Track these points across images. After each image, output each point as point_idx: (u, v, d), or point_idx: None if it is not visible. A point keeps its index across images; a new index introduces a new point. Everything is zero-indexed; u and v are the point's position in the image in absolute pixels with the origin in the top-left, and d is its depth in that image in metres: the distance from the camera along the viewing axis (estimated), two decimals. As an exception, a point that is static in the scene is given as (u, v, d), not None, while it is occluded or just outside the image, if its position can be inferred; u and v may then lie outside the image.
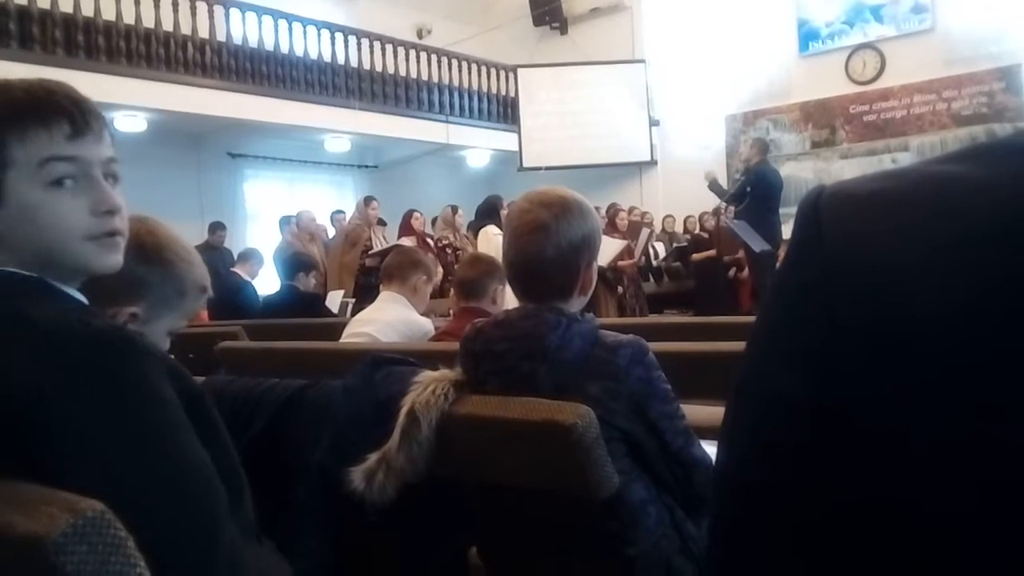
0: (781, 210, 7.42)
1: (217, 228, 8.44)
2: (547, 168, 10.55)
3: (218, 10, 8.62)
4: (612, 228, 7.74)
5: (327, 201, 10.32)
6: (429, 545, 1.64)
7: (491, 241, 6.37)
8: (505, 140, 11.37)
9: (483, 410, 1.40)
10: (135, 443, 0.84)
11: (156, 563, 0.68)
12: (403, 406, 1.41)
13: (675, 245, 10.04)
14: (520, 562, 1.57)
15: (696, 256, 8.89)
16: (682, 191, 11.05)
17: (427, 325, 3.00)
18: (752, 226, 6.92)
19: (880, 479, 0.33)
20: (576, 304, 1.50)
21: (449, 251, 7.36)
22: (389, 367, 1.65)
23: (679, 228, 10.67)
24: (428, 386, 1.43)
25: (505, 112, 11.60)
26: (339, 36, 9.67)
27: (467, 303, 2.66)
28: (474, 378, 1.48)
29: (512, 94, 11.50)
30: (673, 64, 11.80)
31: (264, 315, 5.32)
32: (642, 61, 11.81)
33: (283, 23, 9.19)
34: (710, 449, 1.42)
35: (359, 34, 9.87)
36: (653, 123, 11.85)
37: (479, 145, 11.44)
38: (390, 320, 2.94)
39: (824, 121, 11.01)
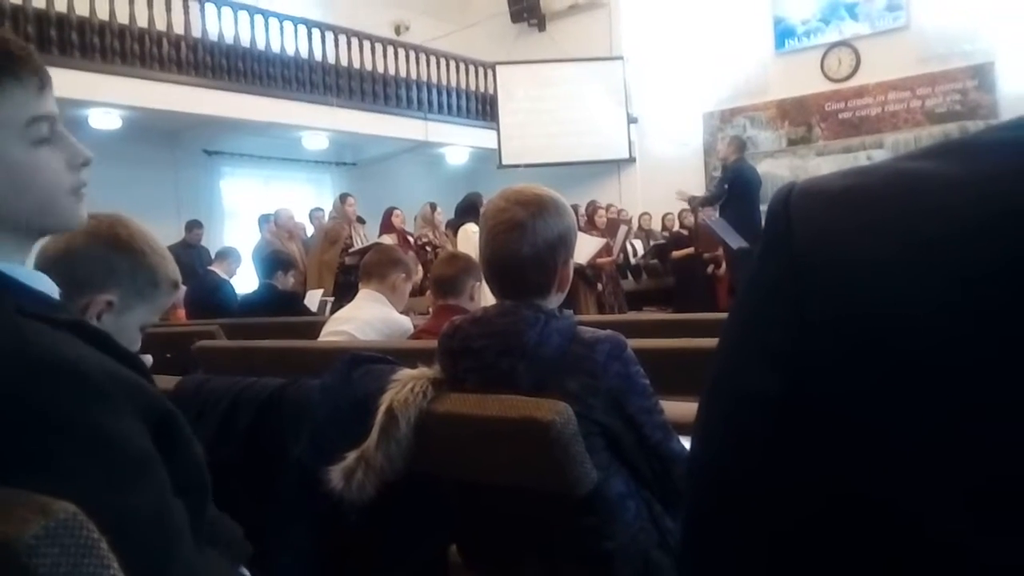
0: (761, 208, 7.47)
1: (194, 226, 8.37)
2: (526, 166, 10.54)
3: (193, 6, 8.54)
4: (591, 226, 7.76)
5: (305, 199, 10.26)
6: (409, 543, 1.64)
7: (471, 239, 6.36)
8: (484, 137, 11.35)
9: (461, 408, 1.40)
10: (78, 492, 0.74)
11: None
12: (381, 404, 1.41)
13: (652, 243, 10.08)
14: (500, 559, 1.57)
15: (676, 253, 8.93)
16: (661, 188, 11.06)
17: (406, 323, 2.99)
18: (731, 223, 6.97)
19: (853, 475, 0.33)
20: (554, 301, 1.50)
21: (428, 249, 7.33)
22: (367, 365, 1.64)
23: (656, 226, 10.71)
24: (406, 384, 1.43)
25: (484, 109, 11.58)
26: (316, 32, 9.61)
27: (445, 301, 2.66)
28: (452, 376, 1.48)
29: (491, 91, 11.48)
30: (651, 61, 11.83)
31: (242, 314, 5.28)
32: (620, 58, 11.84)
33: (259, 19, 9.12)
34: (688, 444, 1.43)
35: (336, 30, 9.81)
36: (631, 120, 11.88)
37: (458, 142, 11.42)
38: (369, 319, 2.94)
39: (800, 119, 11.10)
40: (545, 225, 1.43)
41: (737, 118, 11.57)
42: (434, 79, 10.95)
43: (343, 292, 6.06)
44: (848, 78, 10.76)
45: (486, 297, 1.93)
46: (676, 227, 9.85)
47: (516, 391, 1.37)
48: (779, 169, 10.92)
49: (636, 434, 1.40)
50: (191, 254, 7.80)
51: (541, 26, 12.82)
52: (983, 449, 0.30)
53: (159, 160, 9.52)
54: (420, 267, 7.11)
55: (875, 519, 0.33)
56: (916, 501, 0.32)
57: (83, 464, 0.78)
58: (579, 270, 6.54)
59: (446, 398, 1.43)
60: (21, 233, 0.95)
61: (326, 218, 7.91)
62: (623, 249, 8.70)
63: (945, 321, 0.31)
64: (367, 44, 10.13)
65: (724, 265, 7.87)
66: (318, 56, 9.60)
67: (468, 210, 6.97)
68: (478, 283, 2.59)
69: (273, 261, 5.64)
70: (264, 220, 8.20)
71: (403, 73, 10.54)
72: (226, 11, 8.81)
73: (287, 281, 5.55)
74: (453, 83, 11.25)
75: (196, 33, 8.55)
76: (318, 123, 9.66)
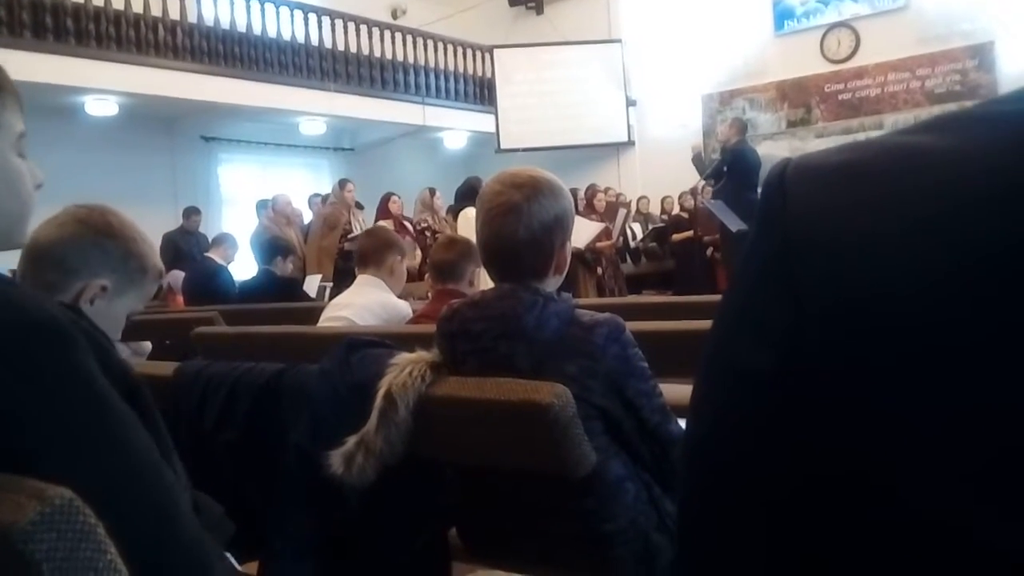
0: (759, 189, 7.44)
1: (191, 213, 8.34)
2: (525, 150, 10.51)
3: (189, -9, 8.50)
4: (591, 209, 7.75)
5: (303, 184, 10.22)
6: (409, 526, 1.64)
7: (470, 223, 6.33)
8: (482, 121, 11.30)
9: (460, 391, 1.39)
10: (80, 435, 0.79)
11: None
12: (380, 388, 1.41)
13: (651, 226, 10.07)
14: (499, 541, 1.58)
15: (676, 236, 8.92)
16: (660, 171, 11.06)
17: (405, 308, 2.99)
18: (731, 206, 6.94)
19: (848, 454, 0.33)
20: (552, 283, 1.50)
21: (428, 234, 7.32)
22: (365, 350, 1.64)
23: (655, 209, 10.69)
24: (405, 368, 1.42)
25: (482, 93, 11.53)
26: (312, 17, 9.55)
27: (444, 285, 2.66)
28: (451, 359, 1.48)
29: (488, 75, 11.43)
30: (649, 44, 11.77)
31: (241, 300, 5.28)
32: (618, 41, 11.77)
33: (255, 4, 9.06)
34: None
35: (333, 15, 9.75)
36: (630, 103, 11.83)
37: (456, 127, 11.38)
38: (367, 304, 2.93)
39: (800, 100, 11.06)
40: (541, 208, 1.43)
41: (736, 100, 11.52)
42: (431, 63, 10.89)
43: (342, 278, 6.05)
44: (848, 59, 10.71)
45: (485, 282, 1.93)
46: (675, 210, 9.83)
47: (514, 374, 1.37)
48: (779, 151, 10.88)
49: (635, 417, 1.40)
50: (189, 241, 7.79)
51: (539, 9, 12.74)
52: (986, 431, 0.30)
53: (156, 147, 9.50)
54: (419, 252, 7.11)
55: (871, 497, 0.33)
56: (914, 481, 0.31)
57: (90, 407, 0.81)
58: (579, 254, 6.54)
59: (445, 382, 1.43)
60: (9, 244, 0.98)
61: (325, 204, 7.90)
62: (623, 232, 8.69)
63: (943, 301, 0.31)
64: (364, 28, 10.07)
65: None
66: (315, 41, 9.55)
67: (468, 194, 6.94)
68: (478, 268, 2.59)
69: (271, 247, 5.63)
70: (262, 206, 8.18)
71: (400, 57, 10.49)
72: (222, -5, 8.76)
73: (286, 267, 5.55)
74: (451, 67, 11.20)
75: (192, 18, 8.50)
76: (315, 108, 9.63)
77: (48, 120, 8.01)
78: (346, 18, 9.87)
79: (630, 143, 11.94)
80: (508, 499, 1.52)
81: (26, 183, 0.96)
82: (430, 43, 10.90)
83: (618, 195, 9.81)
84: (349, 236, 6.86)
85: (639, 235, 9.84)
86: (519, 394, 1.30)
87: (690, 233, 8.59)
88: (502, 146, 10.99)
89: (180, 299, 6.11)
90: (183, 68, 8.32)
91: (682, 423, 1.44)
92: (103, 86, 7.78)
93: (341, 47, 9.82)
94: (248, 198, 9.17)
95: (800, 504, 0.35)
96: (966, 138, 0.34)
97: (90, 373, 0.82)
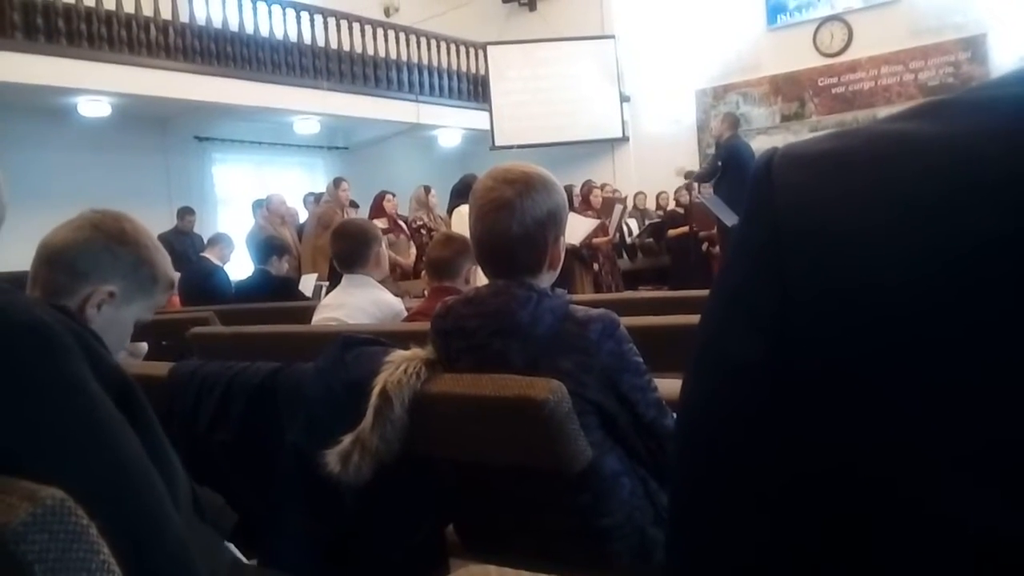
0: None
1: (186, 213, 8.32)
2: (519, 147, 10.50)
3: (181, -10, 8.47)
4: (587, 205, 7.74)
5: (298, 184, 10.21)
6: (406, 524, 1.64)
7: (464, 220, 6.32)
8: (476, 119, 11.29)
9: (455, 388, 1.39)
10: (66, 439, 0.79)
11: None
12: (375, 386, 1.41)
13: (648, 222, 10.06)
14: (496, 537, 1.58)
15: (672, 231, 8.92)
16: (654, 167, 11.07)
17: (397, 304, 2.97)
18: (726, 201, 6.95)
19: (841, 445, 0.33)
20: (546, 279, 1.49)
21: (423, 232, 7.31)
22: (360, 348, 1.64)
23: (651, 204, 10.69)
24: (400, 365, 1.42)
25: (475, 90, 11.51)
26: (305, 15, 9.52)
27: (440, 283, 2.66)
28: (446, 356, 1.48)
29: (482, 72, 11.41)
30: (643, 39, 11.77)
31: (237, 300, 5.27)
32: (612, 36, 11.77)
33: (247, 3, 9.03)
34: (680, 419, 1.43)
35: (325, 13, 9.72)
36: (624, 99, 11.83)
37: (450, 124, 11.36)
38: (359, 303, 2.90)
39: (793, 94, 11.06)
40: (533, 203, 1.42)
41: (730, 95, 11.52)
42: (425, 61, 10.88)
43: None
44: (841, 52, 10.71)
45: (482, 279, 1.93)
46: (671, 205, 9.83)
47: (509, 370, 1.36)
48: (773, 145, 10.86)
49: (630, 412, 1.40)
50: (184, 241, 7.77)
51: (532, 5, 12.73)
52: (979, 417, 0.30)
53: (150, 147, 9.47)
54: (415, 249, 7.10)
55: (861, 488, 0.33)
56: (905, 469, 0.31)
57: (78, 411, 0.81)
58: (575, 250, 6.53)
59: (440, 379, 1.42)
60: None
61: (319, 203, 7.88)
62: (619, 228, 8.68)
63: (932, 289, 0.31)
64: (356, 26, 10.04)
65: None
66: (308, 39, 9.53)
67: (463, 192, 6.93)
68: (474, 266, 2.58)
69: (267, 247, 5.62)
70: (257, 206, 8.16)
71: (394, 55, 10.47)
72: (213, -5, 8.74)
73: (281, 266, 5.54)
74: (444, 64, 11.18)
75: (184, 18, 8.47)
76: (309, 107, 9.61)
77: (41, 121, 8.00)
78: (339, 16, 9.84)
79: (624, 139, 11.94)
80: (505, 495, 1.51)
81: None
82: (423, 40, 10.88)
83: (614, 191, 9.81)
84: (344, 235, 6.84)
85: (635, 231, 9.84)
86: (514, 390, 1.30)
87: (686, 228, 8.59)
88: (496, 143, 10.98)
89: (176, 299, 6.09)
90: (176, 68, 8.29)
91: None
92: (96, 87, 7.75)
93: (334, 45, 9.80)
94: (243, 198, 9.16)
95: (791, 496, 0.35)
96: (956, 124, 0.34)
97: (78, 377, 0.82)
